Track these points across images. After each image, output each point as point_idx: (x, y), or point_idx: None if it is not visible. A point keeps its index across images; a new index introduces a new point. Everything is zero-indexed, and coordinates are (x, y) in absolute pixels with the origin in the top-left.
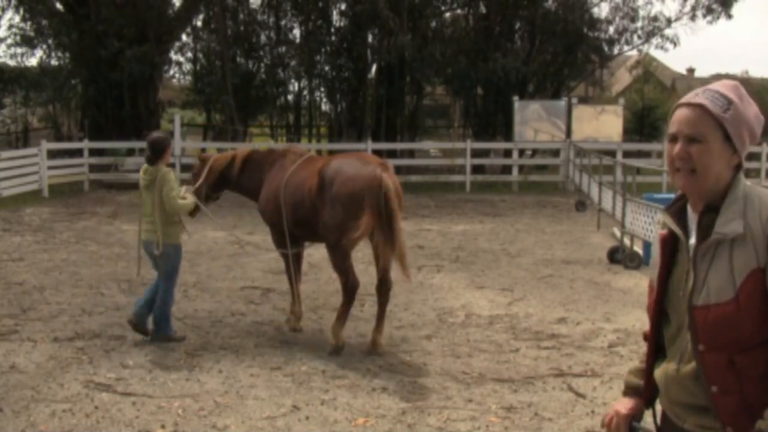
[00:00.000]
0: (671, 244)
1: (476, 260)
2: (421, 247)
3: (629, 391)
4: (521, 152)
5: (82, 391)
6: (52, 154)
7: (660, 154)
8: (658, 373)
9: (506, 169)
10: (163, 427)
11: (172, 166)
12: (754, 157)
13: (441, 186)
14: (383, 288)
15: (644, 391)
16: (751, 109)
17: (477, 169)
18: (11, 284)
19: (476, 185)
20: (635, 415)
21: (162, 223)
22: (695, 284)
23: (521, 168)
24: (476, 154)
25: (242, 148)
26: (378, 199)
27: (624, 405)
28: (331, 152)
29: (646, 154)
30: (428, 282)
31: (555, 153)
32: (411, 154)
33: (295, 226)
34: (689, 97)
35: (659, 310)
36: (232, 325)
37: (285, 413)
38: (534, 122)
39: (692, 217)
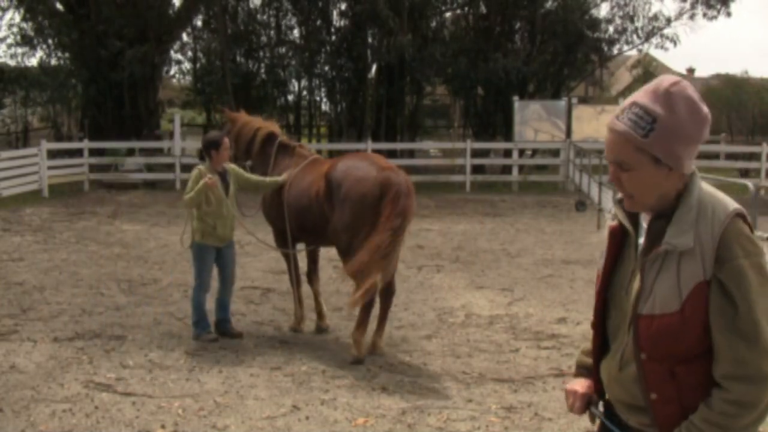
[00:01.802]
0: (620, 238)
1: (476, 260)
2: (421, 247)
3: (582, 370)
4: (521, 152)
5: (82, 391)
6: (52, 154)
7: None
8: (603, 370)
9: (506, 169)
10: (163, 427)
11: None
12: (754, 157)
13: (441, 186)
14: (387, 292)
15: (594, 384)
16: (685, 111)
17: (477, 169)
18: (11, 284)
19: (476, 185)
20: (592, 397)
21: (193, 218)
22: (641, 292)
23: (521, 168)
24: (476, 154)
25: (265, 124)
26: (391, 200)
27: (581, 384)
28: (331, 152)
29: None
30: (428, 282)
31: (555, 153)
32: (411, 154)
33: (299, 231)
34: (613, 120)
35: (602, 301)
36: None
37: (285, 413)
38: (534, 122)
39: (644, 216)
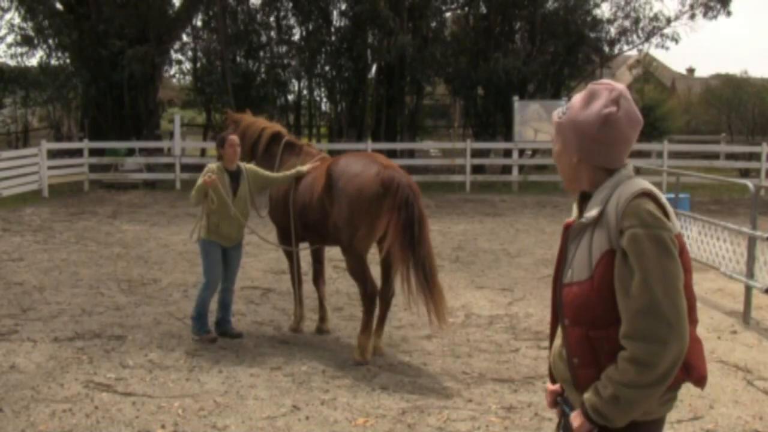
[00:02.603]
0: None
1: (476, 260)
2: None
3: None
4: (521, 152)
5: (82, 391)
6: (52, 154)
7: (660, 154)
8: (552, 351)
9: (506, 169)
10: (163, 427)
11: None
12: (754, 157)
13: (441, 186)
14: (386, 294)
15: (549, 370)
16: (590, 111)
17: (477, 169)
18: (11, 284)
19: (476, 185)
20: (562, 393)
21: (202, 214)
22: (564, 263)
23: (521, 168)
24: (476, 154)
25: (270, 124)
26: (393, 198)
27: (553, 384)
28: (331, 152)
29: (646, 154)
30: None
31: None
32: (411, 154)
33: (304, 229)
34: None
35: (559, 290)
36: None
37: (285, 413)
38: (534, 122)
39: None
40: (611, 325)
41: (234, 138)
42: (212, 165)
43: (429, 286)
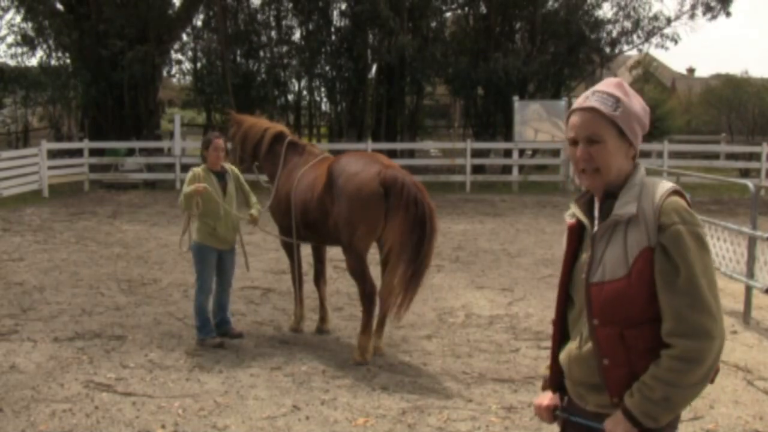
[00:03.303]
0: (578, 233)
1: (476, 260)
2: None
3: (546, 383)
4: (521, 152)
5: (82, 391)
6: (52, 154)
7: (660, 154)
8: (562, 355)
9: (506, 169)
10: (163, 427)
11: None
12: (754, 157)
13: (441, 186)
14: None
15: (550, 376)
16: (637, 102)
17: (477, 169)
18: (11, 284)
19: (476, 185)
20: (557, 405)
21: (194, 219)
22: (592, 263)
23: (521, 168)
24: (476, 154)
25: (273, 124)
26: (399, 198)
27: (546, 397)
28: (332, 152)
29: (646, 154)
30: (428, 282)
31: (555, 153)
32: (411, 154)
33: (305, 228)
34: (581, 102)
35: (565, 294)
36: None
37: (285, 413)
38: (534, 122)
39: (598, 207)
40: (645, 323)
41: (219, 142)
42: (196, 169)
43: (412, 283)
